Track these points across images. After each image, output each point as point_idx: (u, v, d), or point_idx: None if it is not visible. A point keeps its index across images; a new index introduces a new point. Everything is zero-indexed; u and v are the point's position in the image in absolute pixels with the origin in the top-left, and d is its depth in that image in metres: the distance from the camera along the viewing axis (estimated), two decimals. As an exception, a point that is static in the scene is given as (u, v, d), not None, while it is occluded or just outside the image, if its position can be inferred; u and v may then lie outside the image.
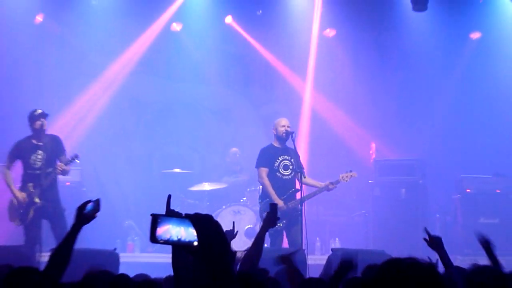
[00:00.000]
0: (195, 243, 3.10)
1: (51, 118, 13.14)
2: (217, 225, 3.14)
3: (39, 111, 12.52)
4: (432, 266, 3.26)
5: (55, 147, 12.56)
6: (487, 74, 17.30)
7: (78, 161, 12.71)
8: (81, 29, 16.67)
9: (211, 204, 15.90)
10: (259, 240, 6.75)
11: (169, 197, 4.30)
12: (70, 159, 12.46)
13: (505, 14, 16.60)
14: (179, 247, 3.25)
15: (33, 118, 12.50)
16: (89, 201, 5.63)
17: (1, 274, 5.53)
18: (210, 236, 3.10)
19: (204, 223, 3.12)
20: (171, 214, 3.33)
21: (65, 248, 5.68)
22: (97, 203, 5.67)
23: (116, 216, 15.44)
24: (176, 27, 17.18)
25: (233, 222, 7.88)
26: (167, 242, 3.14)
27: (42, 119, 12.46)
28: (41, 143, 12.45)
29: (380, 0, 16.72)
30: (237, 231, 7.84)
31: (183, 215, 3.19)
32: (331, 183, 12.90)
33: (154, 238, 3.14)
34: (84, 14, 16.51)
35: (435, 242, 6.82)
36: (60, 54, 16.87)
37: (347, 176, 13.11)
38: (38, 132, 12.45)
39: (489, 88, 17.24)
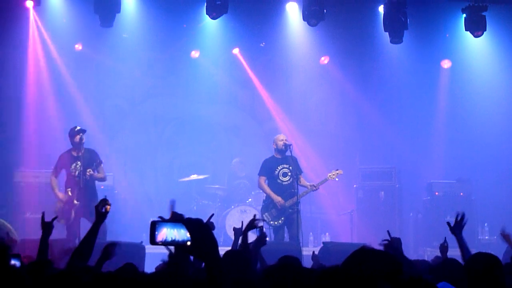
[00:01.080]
0: (188, 243, 3.13)
1: (88, 132, 13.16)
2: (206, 227, 3.18)
3: (78, 127, 12.71)
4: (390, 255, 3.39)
5: (91, 158, 12.72)
6: (452, 97, 17.39)
7: (102, 166, 12.77)
8: (115, 56, 16.65)
9: (222, 204, 16.04)
10: (252, 253, 6.96)
11: (173, 202, 4.76)
12: (94, 166, 12.63)
13: (470, 45, 16.62)
14: (175, 246, 3.27)
15: (73, 133, 12.68)
16: (103, 200, 5.89)
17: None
18: (201, 236, 3.12)
19: (195, 226, 3.14)
20: (173, 218, 3.43)
21: (88, 241, 5.87)
22: (104, 201, 5.90)
23: (142, 214, 15.42)
24: (195, 54, 17.06)
25: (242, 222, 8.06)
26: (164, 243, 3.19)
27: (80, 134, 12.61)
28: (79, 155, 12.60)
29: (363, 34, 16.49)
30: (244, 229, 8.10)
31: (178, 220, 3.20)
32: (313, 185, 13.06)
33: (153, 241, 3.19)
34: (117, 45, 16.46)
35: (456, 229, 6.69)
36: (96, 76, 16.89)
37: (334, 174, 13.21)
38: (77, 145, 12.63)
39: (454, 107, 17.40)
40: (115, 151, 16.30)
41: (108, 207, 5.89)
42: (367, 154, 17.31)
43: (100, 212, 5.88)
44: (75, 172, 12.61)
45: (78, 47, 16.46)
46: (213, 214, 5.06)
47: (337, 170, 13.30)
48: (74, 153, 12.73)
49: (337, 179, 13.35)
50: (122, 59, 16.74)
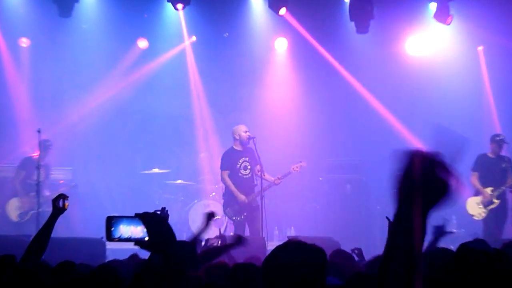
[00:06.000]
0: (146, 238, 3.10)
1: (47, 126, 13.82)
2: (163, 222, 3.16)
3: (46, 139, 13.92)
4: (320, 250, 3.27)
5: (48, 172, 14.47)
6: (420, 88, 16.97)
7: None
8: (74, 48, 16.53)
9: (185, 198, 15.94)
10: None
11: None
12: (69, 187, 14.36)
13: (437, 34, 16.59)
14: (132, 243, 3.21)
15: (40, 144, 13.43)
16: (61, 195, 5.68)
17: None
18: (158, 231, 3.11)
19: (152, 221, 3.12)
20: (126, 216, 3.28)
21: (43, 236, 5.72)
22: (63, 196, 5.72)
23: (103, 209, 14.93)
24: (144, 44, 17.01)
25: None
26: (120, 239, 3.15)
27: (47, 144, 14.04)
28: (42, 163, 13.62)
29: (328, 24, 16.64)
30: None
31: (134, 215, 3.17)
32: (278, 178, 12.93)
33: (109, 237, 3.17)
34: (76, 36, 16.39)
35: None
36: (53, 70, 16.58)
37: (297, 167, 13.08)
38: (43, 154, 13.75)
39: (421, 100, 16.95)
40: (75, 144, 16.32)
41: (66, 203, 5.72)
42: (333, 146, 17.09)
43: (58, 207, 5.71)
44: (34, 177, 13.46)
45: (25, 42, 16.35)
46: (164, 208, 5.45)
47: (300, 162, 13.16)
48: (37, 161, 13.46)
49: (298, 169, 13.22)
50: (81, 51, 16.58)
